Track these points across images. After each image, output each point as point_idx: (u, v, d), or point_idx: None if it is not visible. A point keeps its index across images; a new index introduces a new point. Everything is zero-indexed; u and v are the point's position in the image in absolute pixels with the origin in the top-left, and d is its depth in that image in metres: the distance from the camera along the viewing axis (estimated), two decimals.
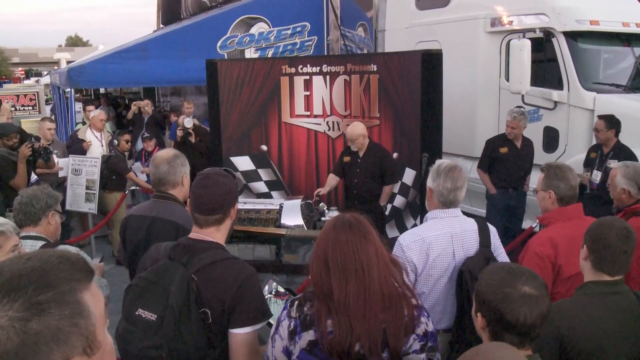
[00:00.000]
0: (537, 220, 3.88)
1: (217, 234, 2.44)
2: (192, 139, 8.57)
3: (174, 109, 12.13)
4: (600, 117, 6.29)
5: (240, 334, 2.26)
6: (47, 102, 15.55)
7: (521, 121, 6.71)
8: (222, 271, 2.30)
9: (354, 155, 6.36)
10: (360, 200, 6.27)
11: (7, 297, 0.92)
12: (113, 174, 7.81)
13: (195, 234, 2.43)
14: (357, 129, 6.24)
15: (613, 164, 5.11)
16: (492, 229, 3.16)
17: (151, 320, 2.17)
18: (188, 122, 8.62)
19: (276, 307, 2.91)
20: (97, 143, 8.45)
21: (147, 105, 10.93)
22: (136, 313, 2.21)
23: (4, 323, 0.91)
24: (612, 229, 2.46)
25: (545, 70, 7.26)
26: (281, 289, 3.04)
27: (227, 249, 2.48)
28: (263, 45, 10.34)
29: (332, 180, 6.51)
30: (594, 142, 6.63)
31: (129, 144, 8.34)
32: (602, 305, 2.40)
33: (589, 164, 6.35)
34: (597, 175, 6.15)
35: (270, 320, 2.41)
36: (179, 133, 8.67)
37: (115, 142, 8.21)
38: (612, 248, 2.43)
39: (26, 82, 34.63)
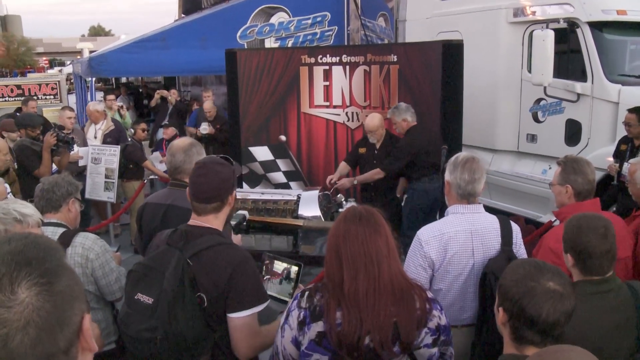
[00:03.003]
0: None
1: (215, 221, 2.49)
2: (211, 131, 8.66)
3: (195, 98, 12.17)
4: (630, 110, 6.11)
5: (237, 317, 2.31)
6: (69, 91, 15.68)
7: (396, 115, 6.20)
8: (216, 256, 2.33)
9: (371, 146, 6.33)
10: (378, 192, 6.23)
11: (21, 272, 0.98)
12: (130, 162, 7.85)
13: (194, 220, 2.49)
14: (375, 120, 6.19)
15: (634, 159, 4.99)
16: (515, 228, 3.07)
17: (148, 304, 2.23)
18: (204, 129, 8.70)
19: (271, 286, 2.90)
20: (90, 134, 8.43)
21: (171, 95, 10.95)
22: (135, 297, 2.27)
23: (32, 293, 0.97)
24: (590, 234, 2.39)
25: (568, 62, 7.11)
26: (279, 266, 3.01)
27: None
28: (283, 35, 10.31)
29: (344, 168, 6.49)
30: (618, 135, 6.50)
31: (146, 132, 8.34)
32: (596, 304, 2.35)
33: (618, 155, 6.21)
34: (627, 168, 6.02)
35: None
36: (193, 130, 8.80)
37: (132, 130, 8.24)
38: (596, 255, 2.38)
39: (50, 71, 35.05)
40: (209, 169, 2.49)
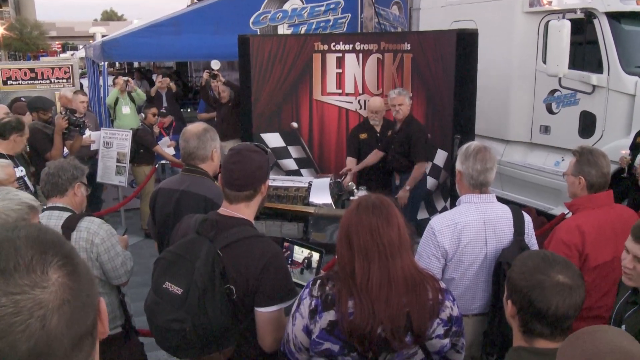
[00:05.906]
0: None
1: (246, 210, 2.45)
2: (219, 80, 8.61)
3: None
4: None
5: (265, 312, 2.28)
6: (82, 75, 15.74)
7: (405, 96, 6.18)
8: (247, 249, 2.30)
9: (372, 131, 6.47)
10: (377, 178, 6.40)
11: (47, 254, 0.97)
12: (140, 147, 7.85)
13: (225, 209, 2.44)
14: (378, 101, 6.48)
15: None
16: (527, 218, 3.06)
17: (177, 294, 2.20)
18: (215, 64, 8.63)
19: (292, 276, 2.86)
20: None
21: (165, 82, 10.80)
22: (163, 286, 2.24)
23: (62, 273, 0.96)
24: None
25: (584, 53, 7.01)
26: (299, 255, 2.99)
27: (255, 225, 2.47)
28: (296, 22, 10.26)
29: (352, 163, 6.51)
30: (634, 128, 6.42)
31: (156, 117, 8.30)
32: None
33: (634, 148, 6.14)
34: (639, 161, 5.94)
35: None
36: (205, 76, 8.77)
37: (143, 115, 8.22)
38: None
39: (62, 55, 35.11)
40: (243, 155, 2.42)
